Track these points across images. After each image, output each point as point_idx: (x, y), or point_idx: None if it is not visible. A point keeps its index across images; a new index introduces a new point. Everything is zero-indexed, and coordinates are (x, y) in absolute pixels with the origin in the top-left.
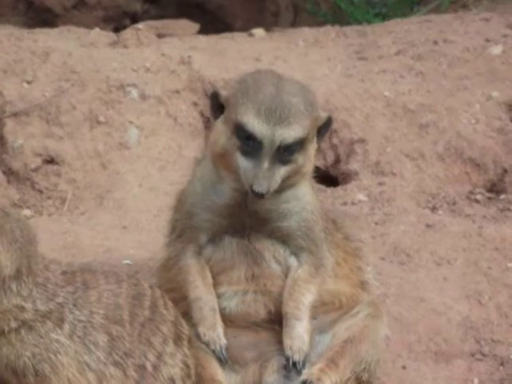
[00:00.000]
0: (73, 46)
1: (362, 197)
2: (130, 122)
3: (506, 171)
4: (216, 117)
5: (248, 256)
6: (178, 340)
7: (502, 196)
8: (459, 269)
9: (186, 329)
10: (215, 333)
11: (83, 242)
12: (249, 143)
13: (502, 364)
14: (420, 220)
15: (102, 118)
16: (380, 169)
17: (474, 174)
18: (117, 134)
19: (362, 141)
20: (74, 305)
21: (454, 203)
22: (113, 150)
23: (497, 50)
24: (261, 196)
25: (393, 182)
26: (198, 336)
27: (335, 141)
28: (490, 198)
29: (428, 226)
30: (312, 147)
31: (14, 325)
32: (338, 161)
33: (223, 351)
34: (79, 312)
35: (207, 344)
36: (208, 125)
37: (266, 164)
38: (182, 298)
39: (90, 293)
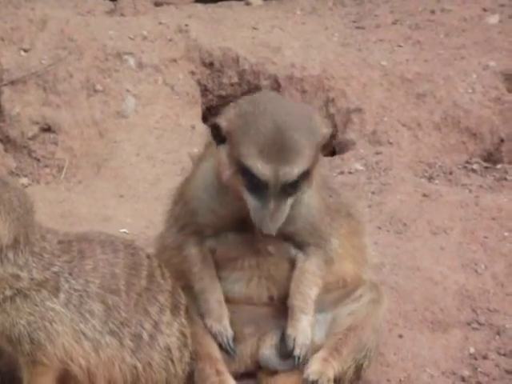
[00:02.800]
0: (70, 14)
1: (358, 166)
2: (127, 91)
3: (502, 141)
4: (218, 143)
5: (252, 249)
6: (174, 309)
7: (499, 165)
8: (456, 238)
9: (183, 298)
10: (222, 325)
11: (80, 211)
12: (254, 183)
13: (498, 333)
14: (417, 189)
15: (99, 87)
16: (377, 138)
17: (471, 143)
18: (114, 102)
19: (358, 110)
20: (70, 274)
21: (451, 173)
22: (110, 118)
23: (494, 19)
24: (269, 235)
25: (389, 151)
26: (205, 327)
27: (332, 110)
28: (486, 168)
29: (424, 195)
30: (316, 168)
31: (9, 293)
32: (335, 130)
33: (230, 343)
34: (75, 281)
35: (214, 336)
36: (205, 93)
37: (272, 204)
38: (180, 278)
39: (85, 262)
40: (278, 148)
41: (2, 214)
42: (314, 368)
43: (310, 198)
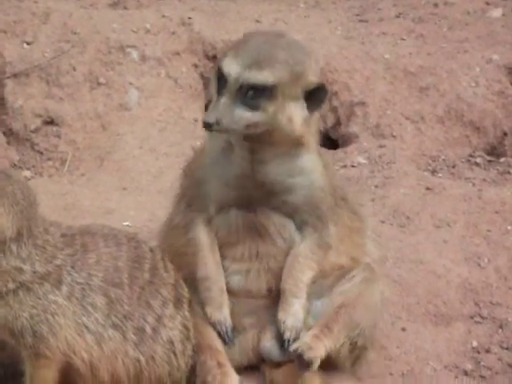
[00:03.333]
0: (73, 7)
1: (361, 159)
2: (130, 84)
3: (505, 134)
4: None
5: (253, 230)
6: (177, 303)
7: (502, 159)
8: (459, 231)
9: (186, 291)
10: (222, 314)
11: (83, 204)
12: (221, 83)
13: (500, 327)
14: (420, 183)
15: (102, 80)
16: (380, 131)
17: (474, 136)
18: (117, 95)
19: (362, 103)
20: (73, 267)
21: (454, 166)
22: (113, 111)
23: (497, 13)
24: (207, 127)
25: (393, 144)
26: (204, 315)
27: (335, 103)
28: (489, 161)
29: (428, 188)
30: (294, 107)
31: (12, 286)
32: (338, 123)
33: (229, 333)
34: (77, 274)
35: (213, 325)
36: (208, 86)
37: (223, 99)
38: (185, 266)
39: (88, 255)
40: (253, 53)
41: (5, 207)
42: (302, 340)
43: (312, 170)
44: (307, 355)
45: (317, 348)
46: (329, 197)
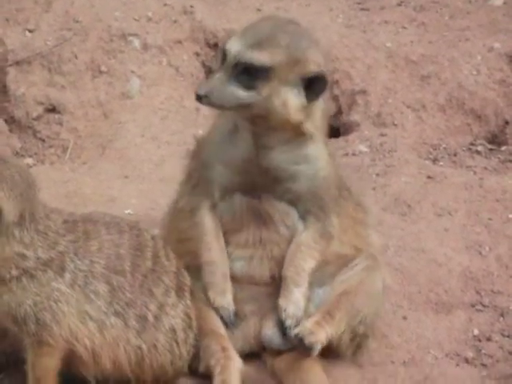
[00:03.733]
0: None
1: (363, 148)
2: (132, 72)
3: (507, 123)
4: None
5: (257, 217)
6: (179, 291)
7: (503, 147)
8: (460, 220)
9: (187, 280)
10: (225, 299)
11: (85, 192)
12: (222, 61)
13: (501, 315)
14: (421, 171)
15: (103, 68)
16: (381, 120)
17: (476, 125)
18: (119, 83)
19: (363, 92)
20: (75, 254)
21: (455, 154)
22: (114, 99)
23: (498, 1)
24: (198, 98)
25: (394, 133)
26: (208, 300)
27: (337, 91)
28: (491, 150)
29: (429, 177)
30: (289, 92)
31: (15, 273)
32: (339, 112)
33: (232, 317)
34: (80, 261)
35: (216, 310)
36: (209, 75)
37: (218, 74)
38: (188, 252)
39: (91, 243)
40: (256, 34)
41: (5, 191)
42: (303, 325)
43: (316, 159)
44: (308, 339)
45: (318, 333)
46: (333, 187)
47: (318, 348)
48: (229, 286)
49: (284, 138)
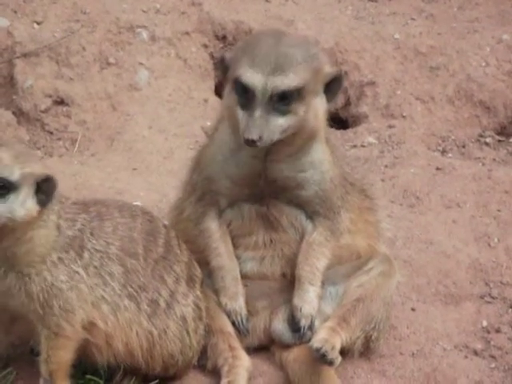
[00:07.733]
0: None
1: (371, 139)
2: (140, 64)
3: None
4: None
5: (266, 222)
6: (190, 281)
7: None
8: (469, 211)
9: (198, 272)
10: (237, 303)
11: (93, 184)
12: (245, 95)
13: (510, 306)
14: (430, 163)
15: (111, 60)
16: (390, 111)
17: (484, 116)
18: (127, 75)
19: (372, 83)
20: (91, 234)
21: (464, 146)
22: (123, 91)
23: None
24: (252, 143)
25: (403, 124)
26: (219, 304)
27: (345, 83)
28: (499, 141)
29: (438, 168)
30: (317, 102)
31: (52, 252)
32: (348, 103)
33: (244, 322)
34: (96, 241)
35: (228, 314)
36: (217, 66)
37: (257, 112)
38: (197, 260)
39: (105, 224)
40: (271, 59)
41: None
42: (319, 336)
43: (321, 162)
44: (330, 356)
45: (332, 340)
46: (339, 187)
47: (338, 363)
48: (241, 290)
49: (294, 150)
